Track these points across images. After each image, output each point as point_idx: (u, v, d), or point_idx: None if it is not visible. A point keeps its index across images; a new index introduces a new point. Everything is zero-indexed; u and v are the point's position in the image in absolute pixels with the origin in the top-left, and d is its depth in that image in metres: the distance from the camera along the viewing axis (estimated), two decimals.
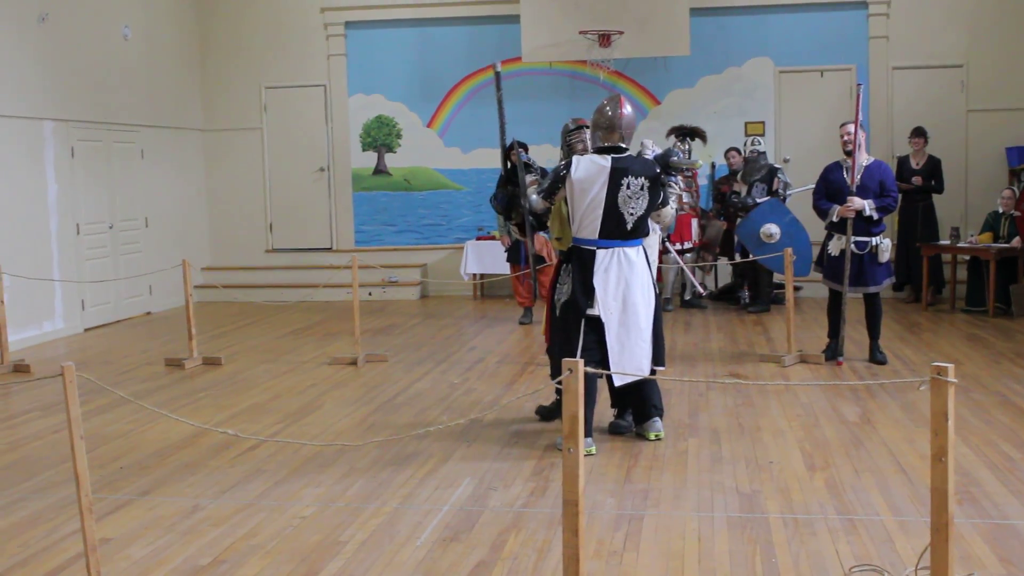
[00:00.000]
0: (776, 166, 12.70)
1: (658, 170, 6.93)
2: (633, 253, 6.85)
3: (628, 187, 6.74)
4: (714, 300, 13.73)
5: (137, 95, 13.96)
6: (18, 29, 11.69)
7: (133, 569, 5.00)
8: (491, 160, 14.74)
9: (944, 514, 3.76)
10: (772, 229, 11.38)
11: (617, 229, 6.78)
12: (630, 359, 6.82)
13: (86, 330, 12.60)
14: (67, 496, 6.01)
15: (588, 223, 6.80)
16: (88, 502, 4.52)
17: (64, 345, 11.73)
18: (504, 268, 13.04)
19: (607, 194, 6.72)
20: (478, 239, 14.62)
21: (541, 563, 4.92)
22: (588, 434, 6.79)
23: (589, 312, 6.80)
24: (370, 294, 14.76)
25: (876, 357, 9.41)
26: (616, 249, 6.81)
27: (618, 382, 6.96)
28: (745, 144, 13.04)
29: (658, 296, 7.04)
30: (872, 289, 9.25)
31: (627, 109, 6.93)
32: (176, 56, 15.16)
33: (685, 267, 11.24)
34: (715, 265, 13.59)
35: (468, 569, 4.87)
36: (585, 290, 6.80)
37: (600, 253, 6.80)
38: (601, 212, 6.74)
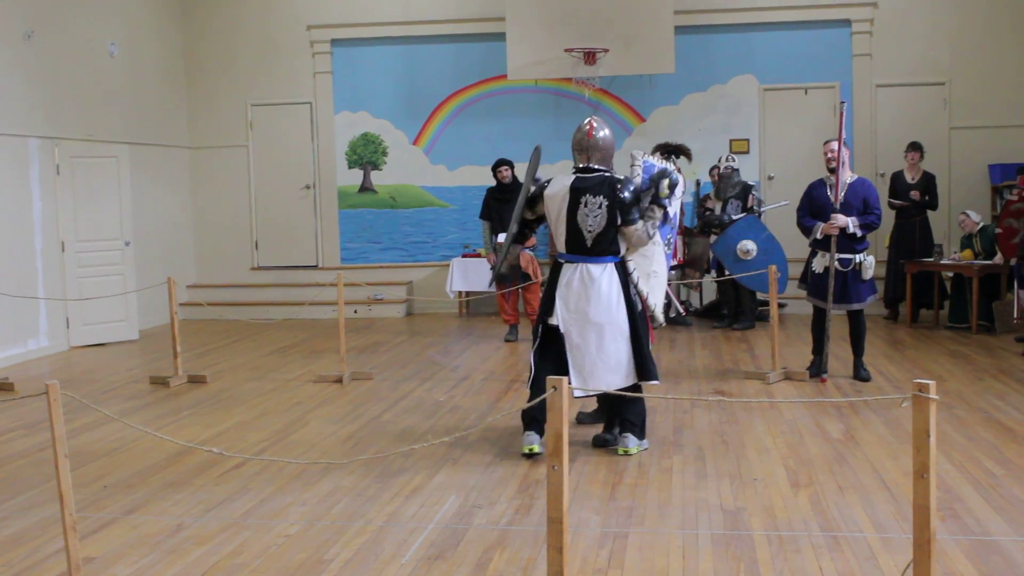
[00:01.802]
0: (750, 183, 12.76)
1: (625, 193, 7.01)
2: (597, 270, 7.02)
3: (586, 205, 7.02)
4: (699, 317, 13.77)
5: (123, 112, 13.96)
6: (3, 46, 11.69)
7: None
8: (477, 178, 14.76)
9: (926, 531, 3.78)
10: (749, 245, 11.49)
11: (579, 245, 7.06)
12: (591, 374, 6.99)
13: (71, 348, 12.57)
14: (51, 515, 5.99)
15: (558, 236, 7.18)
16: (72, 521, 4.51)
17: (49, 363, 11.70)
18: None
19: (567, 211, 7.06)
20: (464, 256, 14.63)
21: None
22: (541, 433, 7.02)
23: (549, 321, 7.08)
24: (356, 312, 14.75)
25: (860, 374, 9.45)
26: (579, 264, 7.07)
27: (576, 394, 7.19)
28: (720, 160, 13.10)
29: (637, 312, 7.09)
30: (856, 306, 9.29)
31: (599, 132, 7.17)
32: (162, 73, 15.17)
33: (667, 287, 11.26)
34: (700, 283, 13.62)
35: None
36: (548, 299, 7.12)
37: (566, 267, 7.11)
38: (564, 228, 7.07)
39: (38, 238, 12.18)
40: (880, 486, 6.28)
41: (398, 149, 15.56)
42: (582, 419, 7.92)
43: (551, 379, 4.09)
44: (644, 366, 7.08)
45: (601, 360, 7.01)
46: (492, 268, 12.31)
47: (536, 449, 7.03)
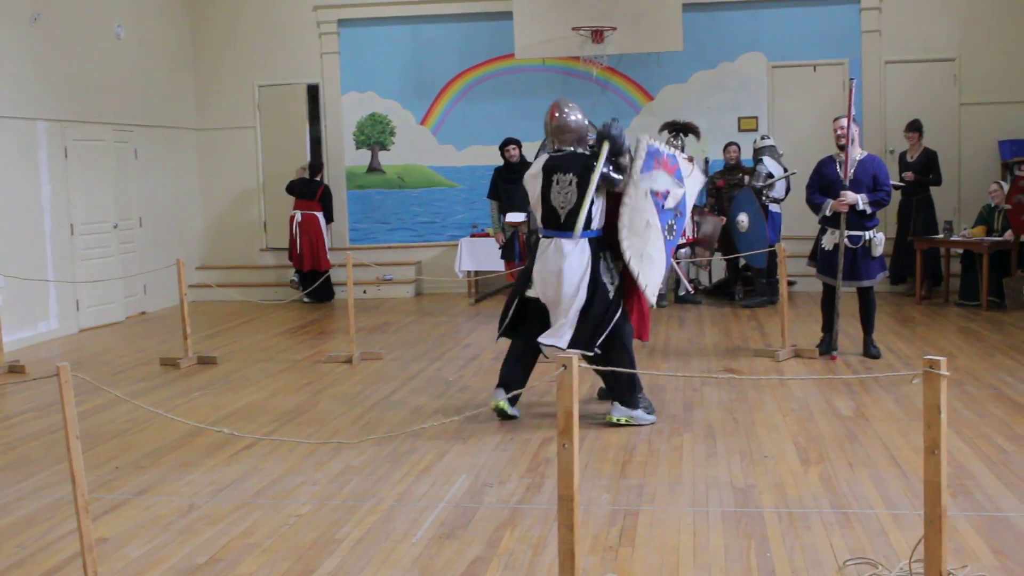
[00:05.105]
0: (761, 157, 12.73)
1: (591, 161, 7.25)
2: (569, 245, 7.22)
3: (557, 183, 7.32)
4: (708, 295, 13.76)
5: (130, 94, 13.95)
6: (10, 29, 11.67)
7: (130, 568, 5.00)
8: (485, 157, 14.73)
9: (937, 507, 3.77)
10: (742, 217, 11.79)
11: (553, 221, 7.36)
12: (559, 339, 7.22)
13: (81, 330, 12.60)
14: (63, 496, 6.02)
15: (537, 213, 7.54)
16: (84, 502, 4.53)
17: (59, 345, 11.73)
18: (499, 265, 13.06)
19: (541, 190, 7.40)
20: (472, 236, 14.62)
21: (537, 559, 4.93)
22: (513, 403, 7.56)
23: (527, 293, 7.49)
24: (364, 292, 14.76)
25: (870, 351, 9.44)
26: (554, 239, 7.31)
27: (546, 352, 7.39)
28: (755, 141, 13.14)
29: (602, 289, 7.20)
30: (865, 283, 9.28)
31: (557, 114, 7.50)
32: (169, 55, 15.15)
33: (676, 264, 11.27)
34: (710, 261, 13.60)
35: (464, 565, 4.89)
36: (527, 273, 7.48)
37: (543, 242, 7.40)
38: (540, 205, 7.43)
39: (47, 221, 12.19)
40: (890, 463, 6.28)
41: (406, 129, 15.54)
42: (603, 396, 8.00)
43: (560, 358, 4.07)
44: (578, 337, 7.19)
45: (564, 329, 7.25)
46: (501, 247, 12.32)
47: (501, 405, 7.44)
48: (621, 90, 14.80)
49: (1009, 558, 4.77)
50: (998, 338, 10.22)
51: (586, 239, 7.24)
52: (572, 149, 7.44)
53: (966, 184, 14.11)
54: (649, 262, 7.26)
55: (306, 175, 14.84)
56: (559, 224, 7.30)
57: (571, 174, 7.27)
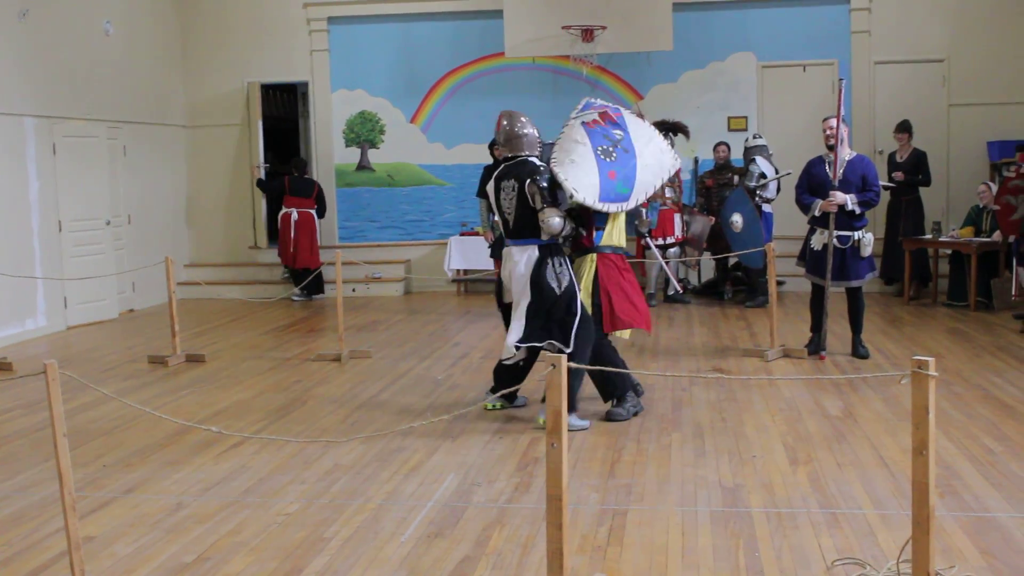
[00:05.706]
0: (754, 157, 12.74)
1: (542, 182, 7.23)
2: (518, 252, 7.34)
3: (504, 191, 7.38)
4: (697, 295, 13.78)
5: (119, 91, 13.91)
6: None
7: (117, 567, 4.99)
8: (475, 156, 14.71)
9: (925, 507, 3.78)
10: (736, 217, 11.81)
11: (507, 229, 7.48)
12: (509, 338, 7.38)
13: (69, 327, 12.55)
14: (50, 494, 5.99)
15: (499, 223, 7.63)
16: (71, 500, 4.51)
17: (47, 343, 11.69)
18: (488, 264, 13.04)
19: (495, 198, 7.52)
20: (462, 235, 14.61)
21: (525, 558, 4.93)
22: (512, 399, 7.80)
23: (505, 300, 7.77)
24: (354, 290, 14.74)
25: (858, 351, 9.45)
26: (510, 247, 7.45)
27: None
28: (747, 140, 13.14)
29: (543, 290, 7.20)
30: (854, 283, 9.29)
31: (503, 122, 7.51)
32: (158, 51, 15.11)
33: (665, 264, 11.28)
34: (699, 261, 13.61)
35: (452, 565, 4.88)
36: (499, 280, 7.74)
37: (505, 249, 7.55)
38: (498, 215, 7.55)
39: (35, 218, 12.14)
40: (879, 463, 6.29)
41: (395, 127, 15.52)
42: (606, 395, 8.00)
43: (549, 357, 4.09)
44: (528, 331, 7.29)
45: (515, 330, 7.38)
46: (490, 246, 12.30)
47: (488, 406, 7.71)
48: (611, 89, 14.79)
49: (996, 558, 4.78)
50: (986, 339, 10.24)
51: (535, 246, 7.27)
52: (526, 155, 7.43)
53: (955, 185, 14.14)
54: (575, 167, 7.25)
55: (262, 175, 15.33)
56: (511, 232, 7.41)
57: (513, 179, 7.32)
